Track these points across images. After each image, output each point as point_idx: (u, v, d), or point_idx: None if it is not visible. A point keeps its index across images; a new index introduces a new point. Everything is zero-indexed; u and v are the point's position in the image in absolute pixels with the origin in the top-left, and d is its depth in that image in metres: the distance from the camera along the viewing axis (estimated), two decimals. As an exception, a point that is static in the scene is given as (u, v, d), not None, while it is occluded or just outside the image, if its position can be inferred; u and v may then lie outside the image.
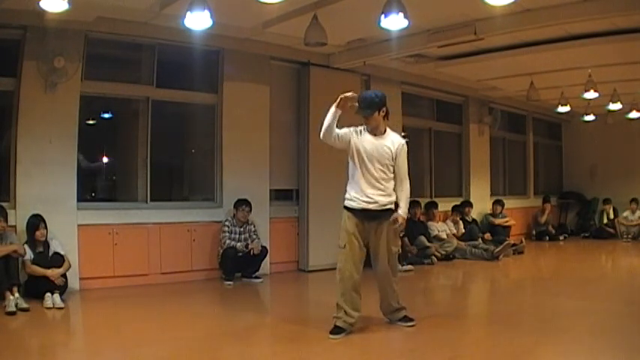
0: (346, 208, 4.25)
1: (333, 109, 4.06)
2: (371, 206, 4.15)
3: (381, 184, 4.16)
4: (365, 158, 4.13)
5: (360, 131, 4.20)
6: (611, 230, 11.12)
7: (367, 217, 4.18)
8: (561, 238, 11.15)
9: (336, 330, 4.12)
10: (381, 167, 4.15)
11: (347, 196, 4.25)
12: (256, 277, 6.57)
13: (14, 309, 4.66)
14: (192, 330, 4.45)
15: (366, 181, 4.15)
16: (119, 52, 6.56)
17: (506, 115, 11.17)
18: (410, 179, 4.33)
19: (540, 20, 5.57)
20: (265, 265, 6.79)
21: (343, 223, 4.24)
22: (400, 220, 4.20)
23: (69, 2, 4.42)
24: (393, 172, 4.21)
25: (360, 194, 4.15)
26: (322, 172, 7.31)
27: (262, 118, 7.07)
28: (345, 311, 4.15)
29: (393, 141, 4.21)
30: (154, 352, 3.83)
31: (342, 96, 4.01)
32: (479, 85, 9.38)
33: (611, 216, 11.38)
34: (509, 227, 9.85)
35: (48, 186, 5.60)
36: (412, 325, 4.36)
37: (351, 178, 4.25)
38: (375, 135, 4.19)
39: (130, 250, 6.10)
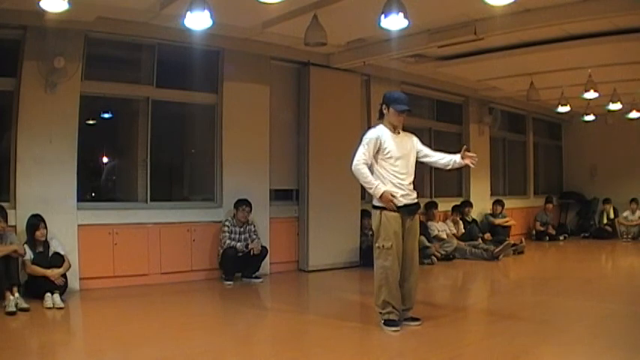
0: (386, 208, 4.29)
1: (374, 191, 4.25)
2: (409, 200, 4.35)
3: (411, 178, 4.42)
4: (399, 156, 4.33)
5: (382, 135, 4.33)
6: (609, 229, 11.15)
7: (408, 211, 4.34)
8: (561, 238, 11.15)
9: (394, 323, 4.25)
10: (409, 162, 4.44)
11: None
12: (256, 277, 6.57)
13: (14, 309, 4.66)
14: (192, 330, 4.44)
15: (403, 177, 4.34)
16: (119, 52, 6.56)
17: (506, 115, 11.17)
18: None
19: (540, 20, 5.57)
20: (265, 265, 6.79)
21: (383, 223, 4.28)
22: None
23: (69, 2, 4.42)
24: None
25: (400, 191, 4.29)
26: (322, 172, 7.32)
27: (262, 118, 7.07)
28: (393, 306, 4.26)
29: (409, 136, 4.52)
30: (154, 352, 3.83)
31: (391, 202, 4.23)
32: (479, 85, 9.38)
33: (611, 216, 11.39)
34: (509, 227, 9.86)
35: (48, 186, 5.60)
36: (419, 325, 4.39)
37: (382, 179, 4.31)
38: (394, 132, 4.39)
39: (130, 250, 6.10)
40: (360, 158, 4.29)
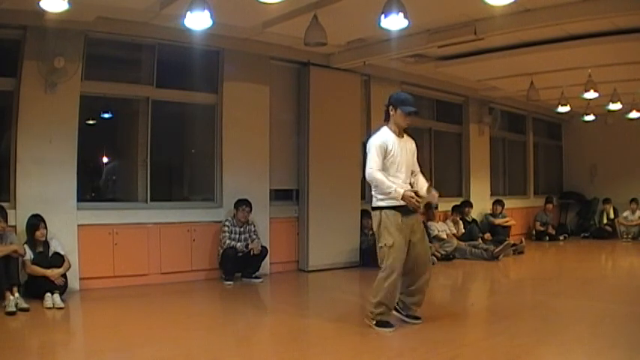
0: (387, 207, 4.27)
1: (394, 194, 4.18)
2: None
3: (409, 179, 4.46)
4: (402, 158, 4.33)
5: (386, 141, 4.32)
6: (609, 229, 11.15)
7: (406, 211, 4.30)
8: (561, 238, 11.15)
9: (387, 324, 4.26)
10: (413, 165, 4.49)
11: (383, 196, 4.30)
12: (256, 277, 6.57)
13: (14, 309, 4.66)
14: (192, 330, 4.45)
15: (405, 179, 4.36)
16: (119, 52, 6.55)
17: (506, 115, 11.17)
18: None
19: (540, 20, 5.57)
20: (265, 265, 6.79)
21: (384, 222, 4.27)
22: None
23: (69, 2, 4.42)
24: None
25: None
26: (322, 172, 7.32)
27: (262, 118, 7.06)
28: (387, 306, 4.27)
29: (410, 140, 4.53)
30: (154, 352, 3.83)
31: (413, 200, 4.19)
32: (479, 85, 9.38)
33: (611, 216, 11.39)
34: (509, 227, 9.86)
35: (48, 186, 5.60)
36: (419, 324, 4.41)
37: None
38: (398, 136, 4.39)
39: (130, 250, 6.10)
40: (373, 165, 4.25)
